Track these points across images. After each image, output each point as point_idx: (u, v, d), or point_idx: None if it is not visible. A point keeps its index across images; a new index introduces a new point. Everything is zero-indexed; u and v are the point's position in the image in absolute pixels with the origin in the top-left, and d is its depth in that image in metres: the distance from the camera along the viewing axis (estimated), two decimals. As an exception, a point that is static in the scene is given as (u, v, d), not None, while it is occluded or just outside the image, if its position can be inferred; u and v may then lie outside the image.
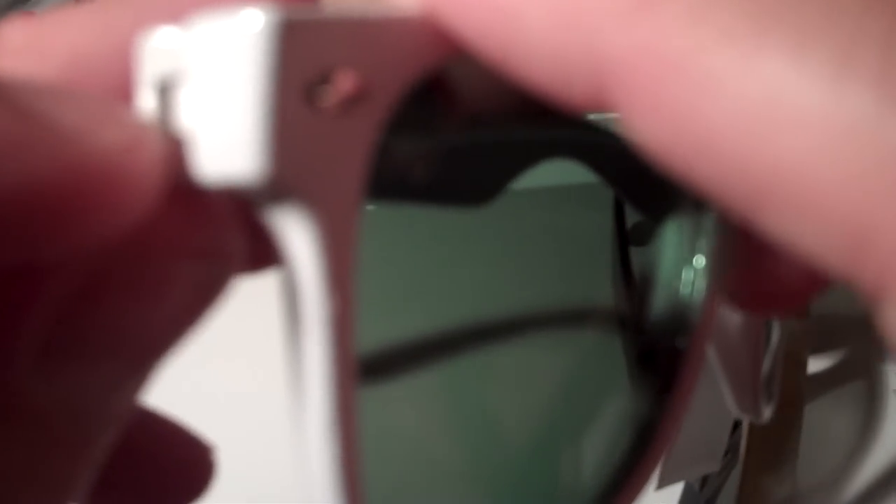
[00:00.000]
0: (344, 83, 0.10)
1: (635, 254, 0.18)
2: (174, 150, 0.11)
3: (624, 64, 0.09)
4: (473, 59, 0.11)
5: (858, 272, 0.09)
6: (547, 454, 0.17)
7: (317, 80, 0.10)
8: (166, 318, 0.11)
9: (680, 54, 0.09)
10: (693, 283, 0.16)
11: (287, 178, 0.10)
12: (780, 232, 0.09)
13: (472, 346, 0.17)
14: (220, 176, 0.10)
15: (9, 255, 0.09)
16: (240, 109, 0.10)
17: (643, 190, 0.17)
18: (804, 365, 0.36)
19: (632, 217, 0.19)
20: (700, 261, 0.16)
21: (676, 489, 0.33)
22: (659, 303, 0.17)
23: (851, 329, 0.39)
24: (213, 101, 0.10)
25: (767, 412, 0.27)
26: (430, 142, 0.13)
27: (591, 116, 0.15)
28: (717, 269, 0.16)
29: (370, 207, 0.11)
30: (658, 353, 0.17)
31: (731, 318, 0.23)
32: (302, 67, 0.10)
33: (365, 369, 0.12)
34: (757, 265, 0.15)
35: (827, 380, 0.39)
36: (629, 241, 0.19)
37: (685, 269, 0.16)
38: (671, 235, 0.17)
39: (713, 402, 0.26)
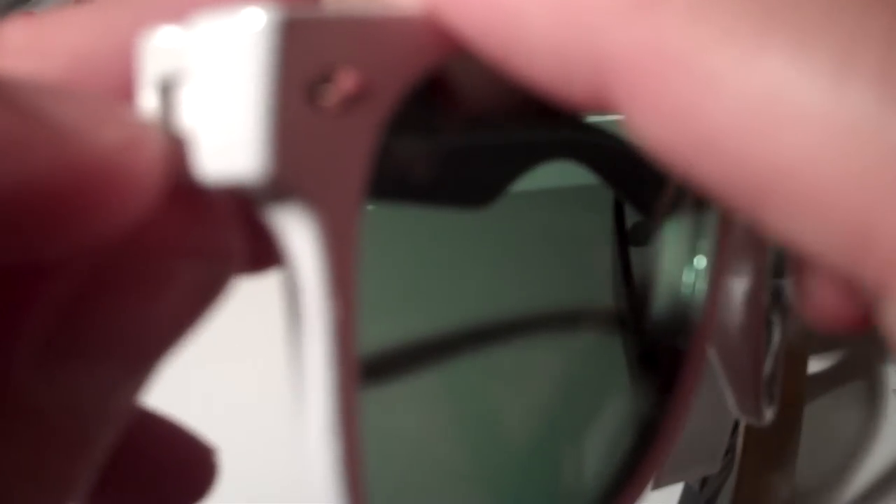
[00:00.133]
0: (345, 82, 0.10)
1: (635, 254, 0.18)
2: (175, 149, 0.11)
3: (625, 62, 0.09)
4: (475, 59, 0.11)
5: (860, 270, 0.09)
6: (549, 455, 0.17)
7: (318, 79, 0.10)
8: (166, 317, 0.11)
9: (681, 52, 0.09)
10: (694, 284, 0.16)
11: (288, 177, 0.10)
12: (781, 229, 0.09)
13: (473, 348, 0.17)
14: (221, 175, 0.10)
15: (9, 255, 0.09)
16: (241, 108, 0.10)
17: (643, 190, 0.17)
18: (805, 365, 0.36)
19: (632, 217, 0.19)
20: (700, 261, 0.16)
21: (676, 489, 0.33)
22: (659, 303, 0.17)
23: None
24: (215, 99, 0.10)
25: (769, 414, 0.27)
26: (432, 142, 0.13)
27: (592, 118, 0.15)
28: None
29: (371, 208, 0.11)
30: (659, 354, 0.17)
31: (732, 318, 0.23)
32: (303, 66, 0.10)
33: (367, 370, 0.12)
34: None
35: (827, 380, 0.39)
36: (629, 241, 0.19)
37: (685, 269, 0.16)
38: (671, 235, 0.17)
39: (713, 403, 0.26)
